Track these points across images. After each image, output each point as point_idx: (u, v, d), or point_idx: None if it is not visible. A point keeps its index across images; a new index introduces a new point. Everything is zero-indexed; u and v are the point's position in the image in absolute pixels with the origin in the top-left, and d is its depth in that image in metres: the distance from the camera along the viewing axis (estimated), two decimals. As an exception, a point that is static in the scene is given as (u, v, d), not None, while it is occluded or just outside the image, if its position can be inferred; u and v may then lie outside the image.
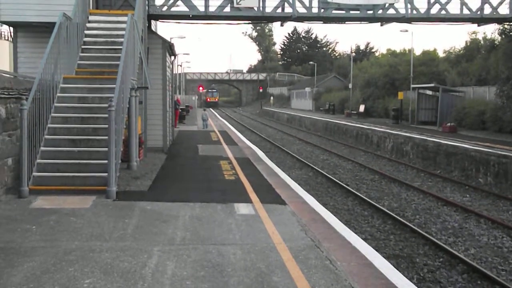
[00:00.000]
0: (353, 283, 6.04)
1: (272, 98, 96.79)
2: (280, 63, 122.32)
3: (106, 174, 10.38)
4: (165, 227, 8.37)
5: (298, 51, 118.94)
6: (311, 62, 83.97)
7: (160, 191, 11.43)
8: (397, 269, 10.68)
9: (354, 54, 76.22)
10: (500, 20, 21.14)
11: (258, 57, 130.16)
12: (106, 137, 10.54)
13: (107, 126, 10.54)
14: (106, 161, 10.44)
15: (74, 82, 13.05)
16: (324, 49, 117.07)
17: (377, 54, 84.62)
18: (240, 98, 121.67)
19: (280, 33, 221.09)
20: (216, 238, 7.79)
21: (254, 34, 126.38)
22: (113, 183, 10.32)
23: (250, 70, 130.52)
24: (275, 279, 6.13)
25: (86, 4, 15.42)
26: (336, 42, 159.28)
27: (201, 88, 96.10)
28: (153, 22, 20.72)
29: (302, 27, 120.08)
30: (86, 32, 14.98)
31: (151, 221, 8.74)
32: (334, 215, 14.30)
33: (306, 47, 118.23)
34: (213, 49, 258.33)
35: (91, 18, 15.68)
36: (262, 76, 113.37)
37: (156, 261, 6.64)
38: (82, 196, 10.27)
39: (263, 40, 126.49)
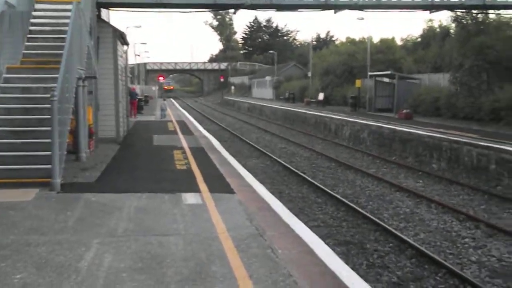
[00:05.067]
0: (291, 271, 6.00)
1: (233, 87, 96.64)
2: (241, 52, 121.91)
3: (50, 166, 10.14)
4: (108, 218, 8.21)
5: (259, 40, 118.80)
6: (271, 51, 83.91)
7: (108, 182, 11.24)
8: (348, 256, 10.88)
9: (315, 42, 76.68)
10: (450, 7, 21.41)
11: (220, 46, 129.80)
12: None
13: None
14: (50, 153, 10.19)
15: (18, 72, 12.66)
16: (285, 38, 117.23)
17: (337, 42, 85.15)
18: (202, 88, 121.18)
19: (241, 22, 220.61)
20: (159, 229, 7.67)
21: (215, 23, 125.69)
22: (57, 175, 10.08)
23: (212, 60, 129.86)
24: (213, 268, 6.05)
25: (32, -8, 15.00)
26: (297, 31, 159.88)
27: (161, 78, 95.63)
28: (105, 11, 20.33)
29: (263, 16, 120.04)
30: (32, 20, 14.54)
31: (94, 212, 8.57)
32: (288, 203, 14.40)
33: (267, 36, 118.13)
34: (174, 39, 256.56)
35: (37, 6, 15.24)
36: (223, 65, 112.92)
37: (93, 254, 6.49)
38: (25, 189, 10.00)
39: (224, 30, 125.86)
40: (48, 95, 11.06)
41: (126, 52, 23.35)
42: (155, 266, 6.10)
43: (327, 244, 10.89)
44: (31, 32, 14.23)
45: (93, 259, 6.30)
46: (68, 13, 14.40)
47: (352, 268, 9.62)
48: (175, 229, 7.65)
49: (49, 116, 10.83)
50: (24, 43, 13.74)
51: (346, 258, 10.57)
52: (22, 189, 9.97)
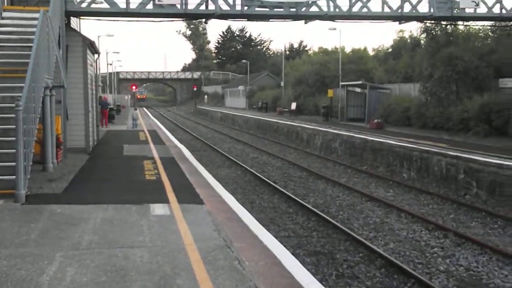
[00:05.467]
0: (258, 283, 5.94)
1: (206, 96, 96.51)
2: (214, 61, 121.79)
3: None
4: (72, 231, 8.05)
5: (233, 49, 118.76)
6: (244, 61, 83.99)
7: (75, 194, 11.05)
8: (318, 266, 10.84)
9: (288, 52, 76.93)
10: (419, 18, 21.67)
11: (193, 55, 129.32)
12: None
13: (15, 126, 10.07)
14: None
15: (-17, 81, 12.43)
16: (259, 47, 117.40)
17: (310, 52, 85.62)
18: (175, 97, 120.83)
19: (215, 31, 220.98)
20: (125, 241, 7.55)
21: (188, 32, 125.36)
22: (21, 186, 9.87)
23: (185, 69, 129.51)
24: (179, 282, 5.96)
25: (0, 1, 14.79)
26: (271, 41, 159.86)
27: (134, 87, 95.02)
28: (75, 20, 20.11)
29: (236, 25, 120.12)
30: (-1, 29, 14.35)
31: (59, 225, 8.40)
32: (259, 214, 14.36)
33: (241, 46, 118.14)
34: (147, 48, 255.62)
35: (4, 14, 15.06)
36: (196, 74, 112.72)
37: (56, 268, 6.34)
38: (-12, 201, 9.79)
39: (197, 39, 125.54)
40: (14, 105, 10.89)
41: (96, 61, 23.13)
42: (119, 280, 5.98)
43: (297, 254, 10.93)
44: (-2, 40, 14.01)
45: (55, 273, 6.15)
46: (36, 22, 14.23)
47: (322, 279, 9.68)
48: (141, 241, 7.54)
49: (14, 126, 10.64)
50: (-10, 51, 13.52)
51: (316, 268, 10.54)
52: (-15, 201, 9.75)
